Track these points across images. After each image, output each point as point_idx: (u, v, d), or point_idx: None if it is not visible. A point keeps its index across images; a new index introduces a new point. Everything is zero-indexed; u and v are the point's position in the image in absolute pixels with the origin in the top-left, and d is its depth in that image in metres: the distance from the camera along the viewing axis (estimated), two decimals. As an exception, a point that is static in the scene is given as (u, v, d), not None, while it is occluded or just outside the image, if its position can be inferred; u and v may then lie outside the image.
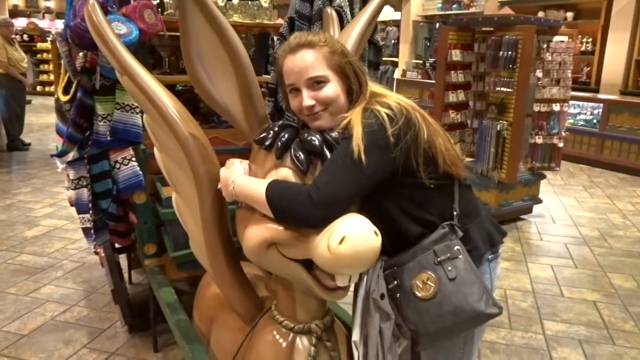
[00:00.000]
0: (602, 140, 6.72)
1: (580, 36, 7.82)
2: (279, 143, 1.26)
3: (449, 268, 1.26)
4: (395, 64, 11.30)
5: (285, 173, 1.25)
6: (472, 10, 9.64)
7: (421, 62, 10.31)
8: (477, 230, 1.37)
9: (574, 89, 5.14)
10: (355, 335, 1.35)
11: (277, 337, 1.41)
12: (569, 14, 8.25)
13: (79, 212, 2.16)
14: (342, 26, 1.89)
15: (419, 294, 1.27)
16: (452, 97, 4.55)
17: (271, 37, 2.62)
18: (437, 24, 10.28)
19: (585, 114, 7.05)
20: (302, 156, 1.24)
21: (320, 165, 1.25)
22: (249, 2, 2.31)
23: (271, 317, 1.46)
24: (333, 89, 1.30)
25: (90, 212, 2.06)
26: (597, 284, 3.41)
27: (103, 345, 2.58)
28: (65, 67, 2.07)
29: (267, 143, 1.29)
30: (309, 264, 1.24)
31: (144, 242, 2.23)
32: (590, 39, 8.19)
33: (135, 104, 1.94)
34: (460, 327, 1.29)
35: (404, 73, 10.39)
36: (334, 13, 1.89)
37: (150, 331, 2.54)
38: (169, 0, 2.16)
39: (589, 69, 8.27)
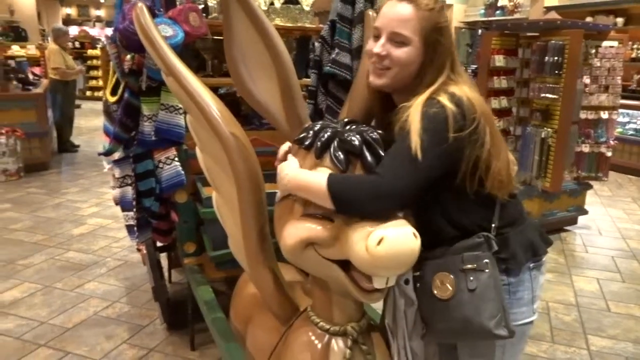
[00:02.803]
0: (654, 151, 6.45)
1: (630, 42, 7.53)
2: (319, 143, 1.26)
3: (471, 278, 1.24)
4: (436, 71, 11.17)
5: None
6: (516, 16, 9.44)
7: (463, 68, 10.14)
8: (518, 239, 1.32)
9: (623, 97, 4.95)
10: (388, 318, 1.39)
11: (313, 338, 1.41)
12: (619, 19, 7.96)
13: (123, 210, 2.23)
14: (383, 29, 1.88)
15: (435, 292, 1.27)
16: (495, 103, 4.45)
17: (312, 41, 2.65)
18: (480, 30, 10.11)
19: (636, 123, 6.77)
20: (342, 156, 1.23)
21: (359, 165, 1.24)
22: (291, 6, 2.34)
23: (307, 318, 1.45)
24: (409, 54, 1.25)
25: (134, 209, 2.12)
26: (647, 300, 3.26)
27: (142, 341, 2.64)
28: (114, 68, 2.14)
29: (307, 142, 1.29)
30: (346, 265, 1.23)
31: (184, 241, 2.27)
32: (643, 46, 7.87)
33: (179, 105, 1.99)
34: (466, 336, 1.28)
35: (444, 80, 10.27)
36: (376, 15, 1.89)
37: (188, 329, 2.58)
38: (214, 4, 2.21)
39: (639, 76, 7.95)
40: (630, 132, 6.79)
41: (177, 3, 2.04)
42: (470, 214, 1.28)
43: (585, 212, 4.64)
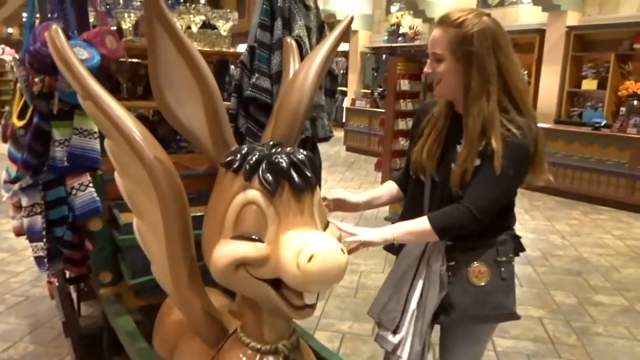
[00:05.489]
0: (540, 166, 7.10)
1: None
2: (247, 165, 1.28)
3: (503, 269, 1.51)
4: (344, 93, 11.60)
5: (254, 194, 1.27)
6: (416, 43, 10.09)
7: (369, 91, 10.63)
8: (514, 240, 1.62)
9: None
10: (411, 304, 1.57)
11: (244, 359, 1.42)
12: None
13: (31, 241, 2.08)
14: (301, 56, 1.97)
15: (472, 280, 1.49)
16: (402, 124, 4.73)
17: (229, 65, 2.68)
18: (384, 55, 10.66)
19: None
20: (270, 177, 1.26)
21: (287, 186, 1.28)
22: (208, 31, 2.36)
23: (237, 339, 1.46)
24: (445, 68, 1.49)
25: (44, 240, 2.00)
26: (542, 301, 3.59)
27: (52, 381, 2.47)
28: (22, 91, 2.02)
29: (235, 165, 1.31)
30: (277, 284, 1.26)
31: (100, 270, 2.16)
32: (525, 71, 8.73)
33: (94, 129, 1.92)
34: (492, 318, 1.55)
35: (353, 102, 10.68)
36: (293, 43, 1.96)
37: (102, 365, 2.44)
38: (128, 27, 2.17)
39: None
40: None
41: (92, 26, 2.00)
42: (501, 214, 1.54)
43: (485, 224, 5.02)
